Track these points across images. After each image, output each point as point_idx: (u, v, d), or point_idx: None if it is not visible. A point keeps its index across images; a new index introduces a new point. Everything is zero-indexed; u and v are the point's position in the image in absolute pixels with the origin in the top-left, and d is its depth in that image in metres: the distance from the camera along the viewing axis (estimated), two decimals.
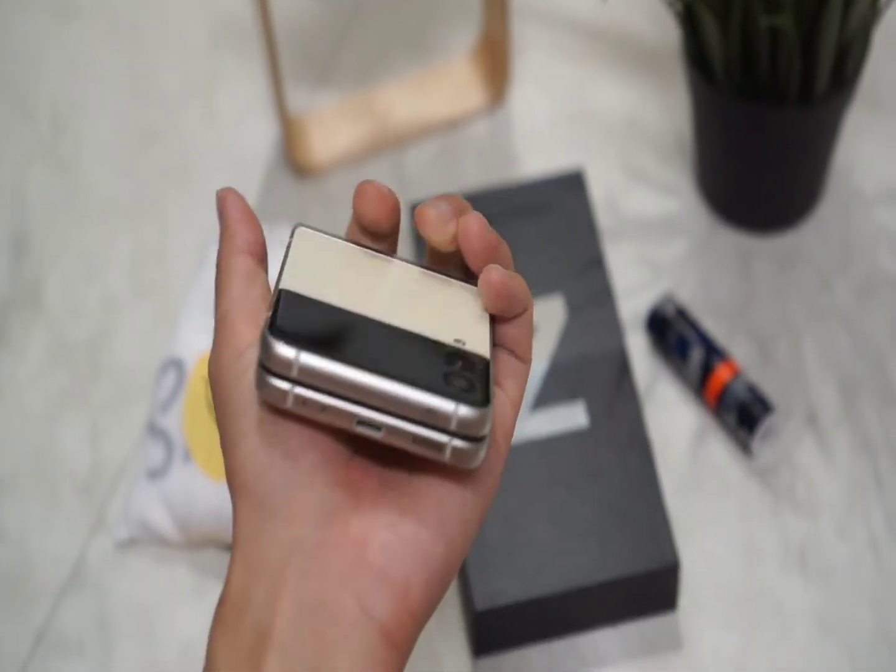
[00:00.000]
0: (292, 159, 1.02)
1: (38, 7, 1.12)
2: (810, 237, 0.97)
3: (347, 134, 1.04)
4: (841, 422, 0.89)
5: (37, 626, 0.85)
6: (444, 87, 1.06)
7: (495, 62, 1.05)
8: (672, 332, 0.91)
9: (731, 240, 0.97)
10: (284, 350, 0.48)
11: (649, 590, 0.80)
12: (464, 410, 0.48)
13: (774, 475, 0.87)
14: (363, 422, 0.49)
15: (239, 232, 0.55)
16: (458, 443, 0.49)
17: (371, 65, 1.09)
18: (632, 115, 1.04)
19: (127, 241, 1.00)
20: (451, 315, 0.53)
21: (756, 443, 0.87)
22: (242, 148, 1.04)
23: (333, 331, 0.50)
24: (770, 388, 0.90)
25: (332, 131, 1.03)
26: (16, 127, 1.06)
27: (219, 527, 0.84)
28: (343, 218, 1.00)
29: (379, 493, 0.50)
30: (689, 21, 0.91)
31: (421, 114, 1.04)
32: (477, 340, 0.52)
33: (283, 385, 0.48)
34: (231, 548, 0.85)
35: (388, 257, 0.56)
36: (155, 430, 0.87)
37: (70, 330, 0.96)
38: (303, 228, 0.56)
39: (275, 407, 0.50)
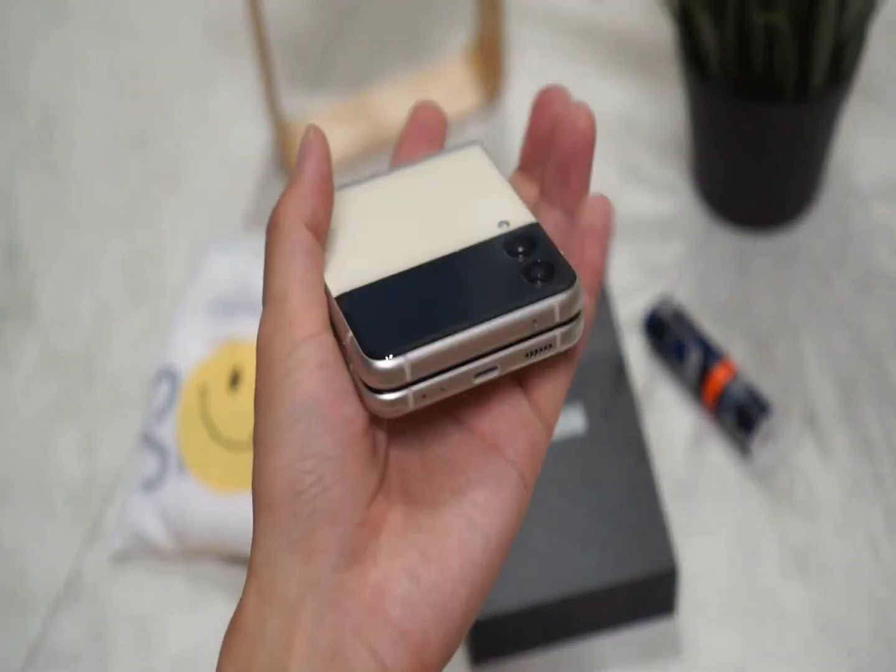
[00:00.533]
0: (286, 162, 1.01)
1: (28, 8, 1.11)
2: (808, 234, 0.96)
3: (342, 136, 1.03)
4: (840, 422, 0.88)
5: (31, 638, 0.84)
6: (440, 87, 1.05)
7: (490, 62, 1.04)
8: (669, 334, 0.90)
9: (729, 238, 0.97)
10: (392, 365, 0.47)
11: (648, 595, 0.80)
12: (561, 299, 0.48)
13: (773, 476, 0.86)
14: (480, 373, 0.48)
15: (310, 198, 0.50)
16: (563, 329, 0.49)
17: (365, 66, 1.08)
18: (628, 114, 1.03)
19: (119, 247, 1.00)
20: (479, 202, 0.52)
21: (755, 444, 0.86)
22: (236, 150, 1.04)
23: (409, 309, 0.49)
24: (769, 388, 0.89)
25: (327, 133, 1.02)
26: (5, 130, 1.06)
27: (214, 537, 0.84)
28: None
29: (402, 534, 0.48)
30: (684, 19, 0.90)
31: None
32: (515, 210, 0.51)
33: (400, 394, 0.47)
34: (228, 558, 0.85)
35: (385, 178, 0.55)
36: (149, 441, 0.87)
37: (63, 339, 0.96)
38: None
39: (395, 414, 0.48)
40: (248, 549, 0.83)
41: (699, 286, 0.95)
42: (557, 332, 0.49)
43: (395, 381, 0.47)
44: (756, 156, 0.93)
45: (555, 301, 0.48)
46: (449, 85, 1.05)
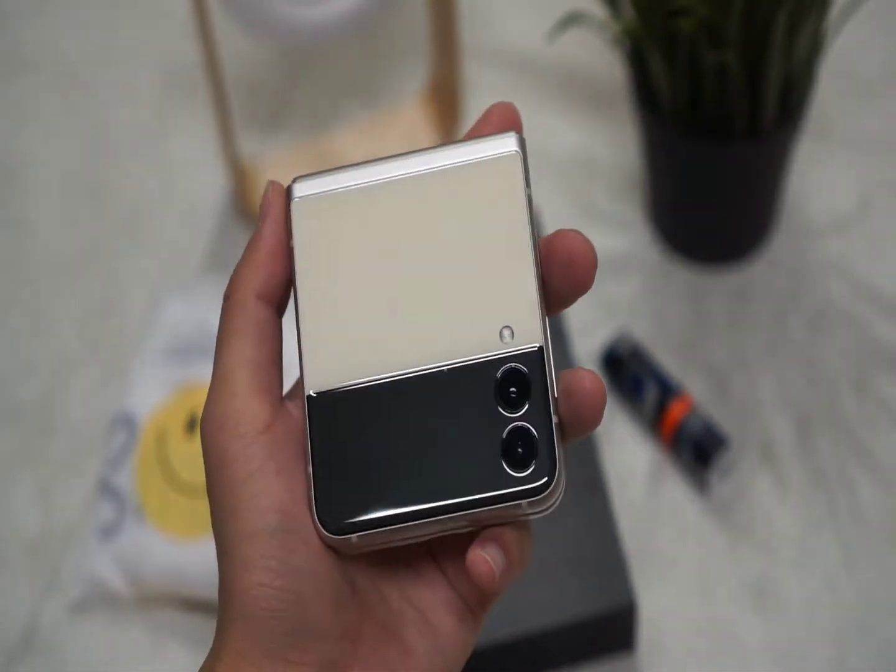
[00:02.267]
0: (244, 207, 1.01)
1: None
2: (763, 270, 0.97)
3: None
4: (796, 455, 0.89)
5: None
6: (397, 130, 1.06)
7: (446, 104, 1.05)
8: (626, 371, 0.90)
9: (685, 274, 0.97)
10: (338, 541, 0.45)
11: (607, 631, 0.80)
12: (533, 500, 0.44)
13: (731, 511, 0.87)
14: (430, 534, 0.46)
15: (265, 266, 0.48)
16: (531, 510, 0.45)
17: (322, 110, 1.09)
18: (583, 152, 1.04)
19: (77, 296, 1.00)
20: (490, 275, 0.46)
21: (712, 479, 0.86)
22: (193, 197, 1.04)
23: (375, 462, 0.45)
24: (725, 422, 0.90)
25: (284, 178, 1.02)
26: None
27: (173, 583, 0.84)
28: None
29: (379, 641, 0.47)
30: (637, 59, 0.91)
31: (373, 158, 1.04)
32: (524, 313, 0.46)
33: (344, 539, 0.45)
34: (187, 605, 0.84)
35: (394, 185, 0.48)
36: (106, 488, 0.87)
37: (19, 388, 0.96)
38: (298, 202, 0.49)
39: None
40: (208, 594, 0.83)
41: (656, 322, 0.95)
42: (524, 510, 0.45)
43: (342, 547, 0.45)
44: (709, 193, 0.94)
45: (525, 502, 0.44)
46: (406, 127, 1.06)
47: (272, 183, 0.50)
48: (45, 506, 0.90)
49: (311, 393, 0.46)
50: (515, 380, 0.45)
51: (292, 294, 0.48)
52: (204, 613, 0.85)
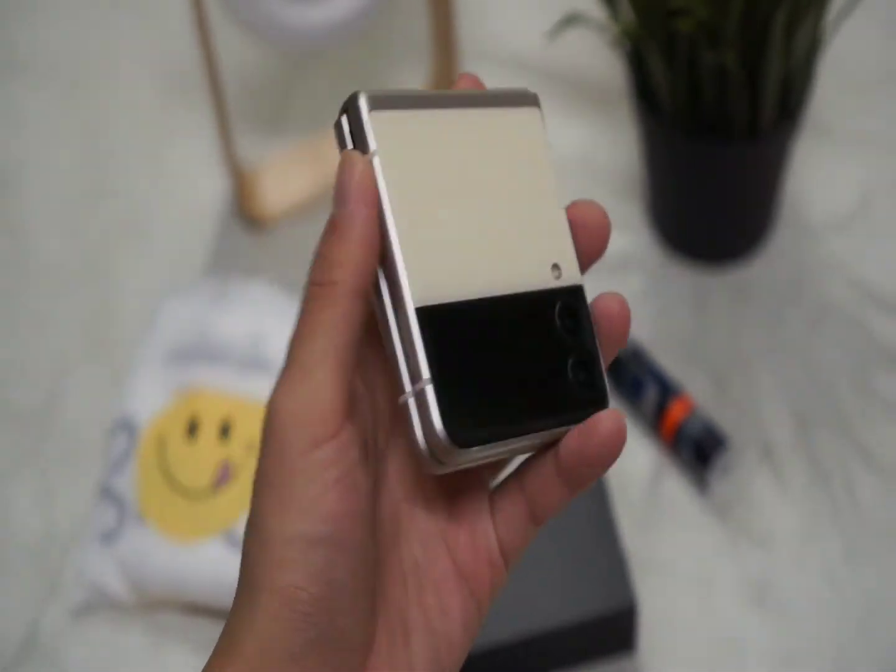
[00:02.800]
0: (244, 211, 1.01)
1: None
2: (763, 269, 0.97)
3: (299, 183, 1.03)
4: (796, 454, 0.89)
5: None
6: None
7: None
8: (626, 372, 0.91)
9: (685, 274, 0.97)
10: (462, 456, 0.46)
11: (608, 632, 0.80)
12: (591, 410, 0.49)
13: (731, 510, 0.87)
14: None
15: (368, 261, 0.46)
16: None
17: (322, 112, 1.09)
18: (583, 153, 1.04)
19: (77, 300, 1.00)
20: (533, 215, 0.50)
21: (713, 479, 0.86)
22: (193, 202, 1.04)
23: (484, 387, 0.47)
24: (726, 422, 0.90)
25: (284, 181, 1.03)
26: None
27: (174, 588, 0.84)
28: (297, 267, 1.00)
29: (390, 647, 0.48)
30: (636, 59, 0.91)
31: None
32: (565, 252, 0.50)
33: (467, 451, 0.47)
34: (188, 609, 0.84)
35: (437, 113, 0.49)
36: (107, 492, 0.87)
37: (21, 393, 0.96)
38: (375, 113, 0.47)
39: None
40: (209, 598, 0.84)
41: (656, 322, 0.95)
42: None
43: (452, 461, 0.46)
44: (709, 193, 0.94)
45: (585, 414, 0.49)
46: None
47: (354, 157, 0.46)
48: (45, 511, 0.90)
49: (421, 306, 0.46)
50: (571, 312, 0.50)
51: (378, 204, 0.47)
52: (205, 618, 0.85)
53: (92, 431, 0.93)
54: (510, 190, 0.50)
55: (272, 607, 0.45)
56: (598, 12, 1.04)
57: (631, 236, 1.00)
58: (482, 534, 0.50)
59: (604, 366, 0.50)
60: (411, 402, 0.46)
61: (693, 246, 0.98)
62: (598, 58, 1.07)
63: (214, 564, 0.83)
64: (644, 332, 0.95)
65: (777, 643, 0.82)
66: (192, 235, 1.02)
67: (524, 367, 0.48)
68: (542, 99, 1.07)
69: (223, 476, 0.85)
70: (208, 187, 1.04)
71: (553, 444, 0.49)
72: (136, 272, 1.01)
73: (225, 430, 0.87)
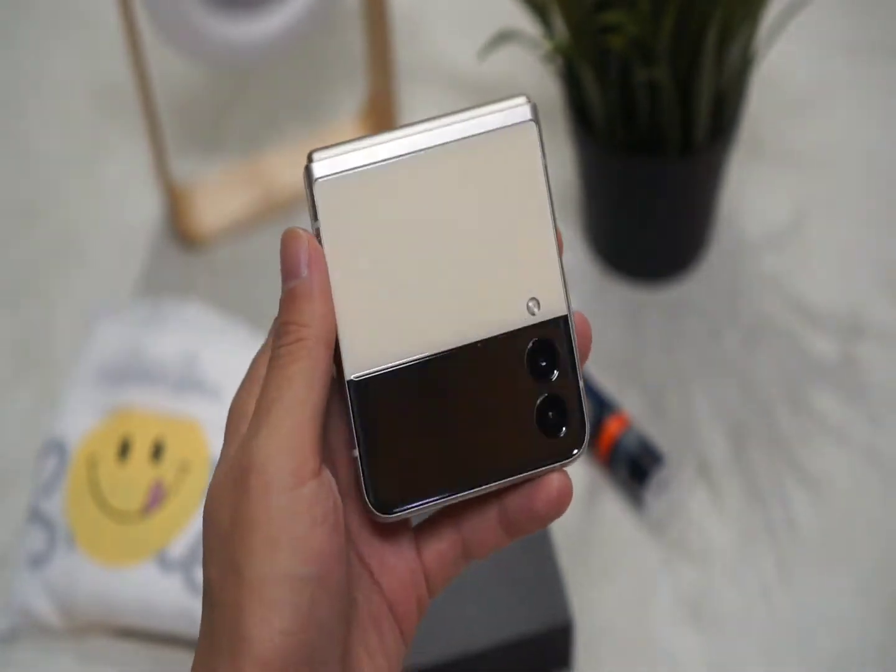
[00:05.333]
0: (178, 230, 1.01)
1: None
2: (699, 287, 0.97)
3: (234, 202, 1.03)
4: (731, 470, 0.89)
5: None
6: None
7: (383, 121, 1.05)
8: None
9: (622, 292, 0.98)
10: (391, 519, 0.47)
11: (544, 649, 0.80)
12: (566, 462, 0.48)
13: (667, 527, 0.87)
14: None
15: (327, 314, 0.47)
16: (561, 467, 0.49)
17: (258, 129, 1.08)
18: None
19: (7, 320, 0.99)
20: (514, 247, 0.48)
21: (648, 495, 0.86)
22: (127, 220, 1.03)
23: (420, 444, 0.47)
24: (661, 438, 0.90)
25: (219, 200, 1.03)
26: None
27: (104, 612, 0.83)
28: (232, 287, 0.99)
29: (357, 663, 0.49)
30: (569, 76, 0.91)
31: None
32: (548, 283, 0.48)
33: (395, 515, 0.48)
34: (119, 633, 0.83)
35: (414, 160, 0.48)
36: (36, 516, 0.86)
37: None
38: (321, 182, 0.47)
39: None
40: (141, 622, 0.83)
41: (593, 340, 0.95)
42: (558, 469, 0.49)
43: (389, 517, 0.48)
44: (644, 210, 0.94)
45: (560, 464, 0.48)
46: None
47: (297, 231, 0.47)
48: None
49: (353, 378, 0.47)
50: (544, 350, 0.48)
51: None
52: (136, 642, 0.84)
53: (22, 453, 0.92)
54: (488, 227, 0.48)
55: (260, 653, 0.44)
56: (531, 29, 1.04)
57: (567, 254, 0.98)
58: (409, 571, 0.50)
59: (585, 401, 0.48)
60: (357, 461, 0.47)
61: (629, 263, 0.98)
62: (533, 75, 1.07)
63: (146, 588, 0.82)
64: None
65: (713, 659, 0.82)
66: (125, 255, 1.01)
67: (476, 420, 0.47)
68: None
69: (155, 497, 0.84)
70: (142, 206, 1.04)
71: (505, 489, 0.48)
72: (69, 292, 1.00)
73: (157, 451, 0.86)
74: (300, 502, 0.45)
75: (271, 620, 0.44)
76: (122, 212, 1.04)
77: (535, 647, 0.79)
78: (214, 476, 0.47)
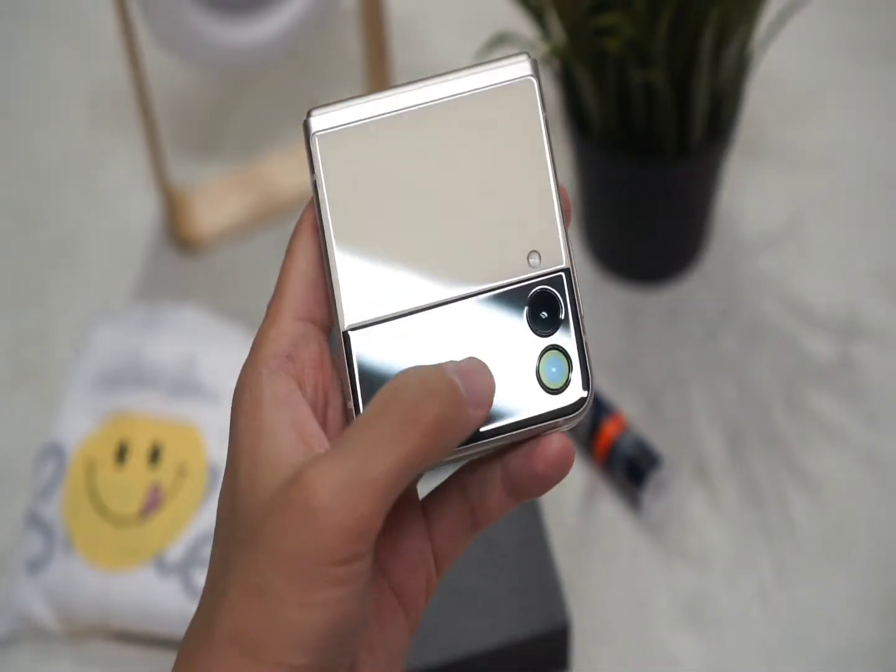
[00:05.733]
0: (176, 234, 1.01)
1: None
2: (696, 287, 0.97)
3: (232, 206, 1.03)
4: (729, 472, 0.89)
5: None
6: None
7: None
8: None
9: (618, 293, 0.98)
10: None
11: (542, 652, 0.80)
12: (569, 418, 0.46)
13: (665, 529, 0.87)
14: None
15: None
16: (566, 425, 0.47)
17: (255, 134, 1.08)
18: None
19: (5, 325, 0.99)
20: (514, 201, 0.48)
21: (646, 497, 0.86)
22: (125, 224, 1.03)
23: None
24: (659, 440, 0.90)
25: (217, 204, 1.03)
26: None
27: (102, 616, 0.83)
28: (229, 291, 0.99)
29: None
30: (566, 79, 0.91)
31: (306, 182, 1.04)
32: (549, 235, 0.47)
33: None
34: (117, 637, 0.83)
35: (411, 114, 0.48)
36: (35, 520, 0.86)
37: None
38: (320, 135, 0.47)
39: None
40: (139, 626, 0.83)
41: (590, 341, 0.95)
42: (562, 426, 0.47)
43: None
44: (641, 212, 0.94)
45: (563, 421, 0.46)
46: None
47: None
48: None
49: (349, 327, 0.47)
50: (546, 303, 0.47)
51: (318, 232, 0.48)
52: (135, 646, 0.84)
53: (21, 457, 0.92)
54: (488, 181, 0.48)
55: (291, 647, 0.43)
56: (528, 31, 1.04)
57: None
58: (418, 553, 0.49)
59: (589, 356, 0.47)
60: (351, 413, 0.47)
61: (626, 265, 0.98)
62: None
63: (144, 591, 0.82)
64: None
65: (711, 660, 0.82)
66: (123, 259, 1.01)
67: None
68: None
69: (152, 501, 0.85)
70: (140, 210, 1.04)
71: (508, 449, 0.47)
72: (67, 296, 1.00)
73: (155, 455, 0.86)
74: (337, 574, 0.43)
75: (310, 619, 0.43)
76: (119, 216, 1.04)
77: (533, 649, 0.79)
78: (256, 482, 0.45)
